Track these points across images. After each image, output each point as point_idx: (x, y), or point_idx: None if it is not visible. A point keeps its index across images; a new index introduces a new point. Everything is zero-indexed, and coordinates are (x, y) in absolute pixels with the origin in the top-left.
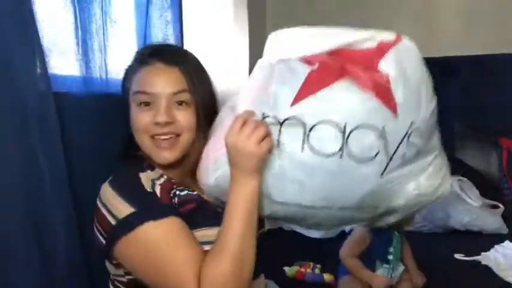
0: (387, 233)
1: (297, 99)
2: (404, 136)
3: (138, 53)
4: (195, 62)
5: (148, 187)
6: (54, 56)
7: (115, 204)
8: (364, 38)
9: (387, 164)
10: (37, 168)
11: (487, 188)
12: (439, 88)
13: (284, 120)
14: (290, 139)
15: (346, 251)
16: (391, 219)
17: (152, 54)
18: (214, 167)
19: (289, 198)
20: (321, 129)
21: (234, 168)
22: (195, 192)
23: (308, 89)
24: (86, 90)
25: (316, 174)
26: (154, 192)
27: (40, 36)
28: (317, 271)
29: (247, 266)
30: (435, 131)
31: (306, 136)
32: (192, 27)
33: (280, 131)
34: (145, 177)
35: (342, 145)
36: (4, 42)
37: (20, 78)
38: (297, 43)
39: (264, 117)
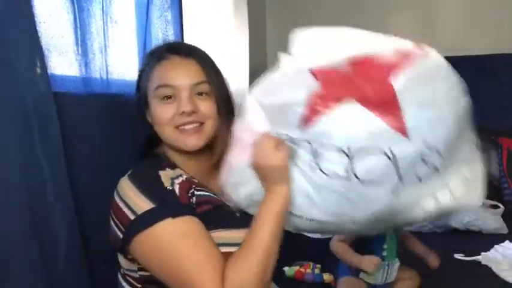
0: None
1: (303, 121)
2: (418, 157)
3: (151, 52)
4: (208, 55)
5: (168, 185)
6: (54, 56)
7: (135, 200)
8: (385, 48)
9: (398, 184)
10: (38, 169)
11: (487, 188)
12: None
13: (296, 139)
14: (300, 158)
15: (337, 236)
16: (416, 223)
17: (168, 49)
18: (241, 181)
19: (301, 212)
20: (326, 152)
21: (265, 182)
22: (212, 194)
23: (312, 111)
24: (85, 91)
25: (325, 192)
26: (173, 190)
27: (40, 36)
28: (317, 271)
29: (270, 271)
30: (464, 144)
31: (314, 157)
32: (192, 27)
33: (293, 148)
34: (165, 176)
35: (347, 169)
36: (4, 42)
37: (20, 78)
38: (316, 48)
39: (280, 136)
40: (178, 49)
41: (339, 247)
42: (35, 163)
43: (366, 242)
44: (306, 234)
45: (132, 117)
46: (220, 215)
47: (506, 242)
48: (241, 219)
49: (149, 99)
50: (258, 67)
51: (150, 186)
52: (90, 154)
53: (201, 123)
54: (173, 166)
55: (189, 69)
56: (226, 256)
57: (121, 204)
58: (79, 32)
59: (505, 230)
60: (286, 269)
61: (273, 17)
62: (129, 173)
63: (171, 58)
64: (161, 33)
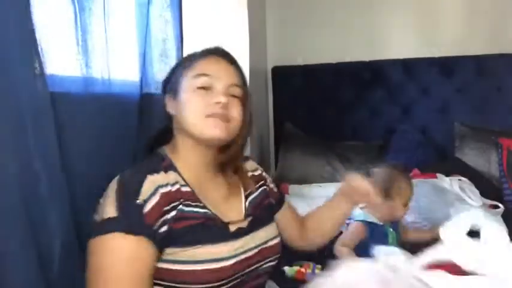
0: (382, 229)
1: None
2: None
3: (192, 54)
4: (239, 65)
5: (143, 197)
6: (54, 56)
7: (108, 202)
8: None
9: None
10: (32, 170)
11: (487, 188)
12: (439, 88)
13: None
14: None
15: (340, 240)
16: None
17: (213, 50)
18: None
19: None
20: None
21: None
22: (203, 210)
23: None
24: (86, 91)
25: None
26: (143, 205)
27: (40, 36)
28: (317, 271)
29: None
30: None
31: None
32: (191, 27)
33: None
34: (151, 182)
35: None
36: (1, 41)
37: (17, 78)
38: None
39: None
40: (224, 53)
41: (343, 251)
42: (28, 163)
43: (368, 245)
44: None
45: (132, 117)
46: (209, 230)
47: None
48: (232, 233)
49: (182, 86)
50: (258, 67)
51: (124, 195)
52: (90, 154)
53: (228, 121)
54: (173, 169)
55: (229, 70)
56: (208, 273)
57: (101, 201)
58: (80, 32)
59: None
60: (286, 268)
61: (273, 17)
62: (125, 171)
63: (215, 57)
64: (160, 33)
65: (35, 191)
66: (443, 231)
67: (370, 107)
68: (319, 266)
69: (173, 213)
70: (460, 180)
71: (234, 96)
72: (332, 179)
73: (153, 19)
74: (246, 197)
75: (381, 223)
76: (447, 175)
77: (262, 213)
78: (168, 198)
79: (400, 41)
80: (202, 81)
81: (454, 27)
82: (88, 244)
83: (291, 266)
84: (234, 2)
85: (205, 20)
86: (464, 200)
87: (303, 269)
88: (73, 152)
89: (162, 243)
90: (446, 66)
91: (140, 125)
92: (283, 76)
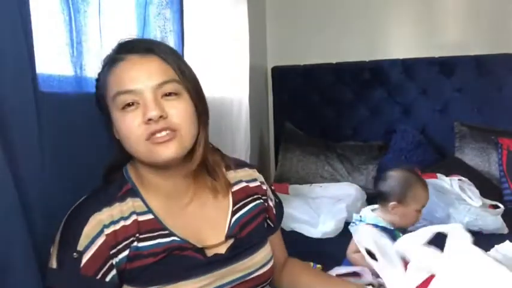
0: (392, 233)
1: None
2: None
3: (106, 56)
4: (173, 49)
5: (82, 244)
6: (48, 56)
7: (52, 248)
8: None
9: None
10: (20, 170)
11: (487, 188)
12: (439, 88)
13: None
14: None
15: (352, 247)
16: None
17: (121, 49)
18: None
19: None
20: None
21: None
22: (167, 240)
23: None
24: (80, 91)
25: None
26: (79, 258)
27: (32, 36)
28: None
29: None
30: None
31: None
32: (191, 27)
33: None
34: (96, 222)
35: None
36: None
37: (7, 78)
38: None
39: None
40: (134, 46)
41: (355, 257)
42: (16, 163)
43: None
44: (306, 234)
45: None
46: (168, 266)
47: (506, 242)
48: (208, 261)
49: (110, 110)
50: (258, 67)
51: (63, 243)
52: (82, 154)
53: (174, 130)
54: (134, 195)
55: (148, 68)
56: None
57: (54, 239)
58: (74, 34)
59: (505, 230)
60: None
61: (273, 17)
62: (72, 208)
63: (126, 58)
64: (159, 31)
65: (24, 193)
66: (398, 244)
67: (370, 107)
68: (319, 266)
69: (125, 252)
70: (460, 180)
71: (169, 94)
72: (332, 179)
73: (152, 18)
74: (234, 213)
75: (392, 228)
76: (447, 175)
77: (253, 234)
78: (117, 237)
79: (400, 41)
80: (122, 100)
81: (454, 27)
82: None
83: None
84: (234, 2)
85: (205, 20)
86: (464, 200)
87: None
88: (64, 152)
89: (119, 278)
90: (446, 66)
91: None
92: (283, 76)
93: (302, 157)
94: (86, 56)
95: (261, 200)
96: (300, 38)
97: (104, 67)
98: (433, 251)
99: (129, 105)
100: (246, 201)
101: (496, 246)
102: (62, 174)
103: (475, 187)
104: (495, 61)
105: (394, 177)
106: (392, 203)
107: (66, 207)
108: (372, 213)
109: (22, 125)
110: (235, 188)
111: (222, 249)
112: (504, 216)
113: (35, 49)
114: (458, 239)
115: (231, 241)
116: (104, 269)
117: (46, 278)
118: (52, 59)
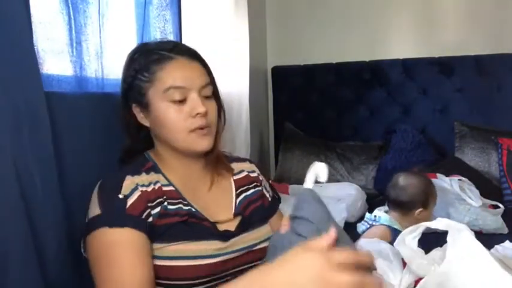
0: None
1: None
2: None
3: (145, 51)
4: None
5: (124, 192)
6: (49, 57)
7: (92, 204)
8: None
9: None
10: (26, 169)
11: (487, 188)
12: (439, 88)
13: None
14: None
15: (363, 239)
16: None
17: (172, 50)
18: None
19: None
20: None
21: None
22: (187, 208)
23: None
24: (80, 91)
25: None
26: (124, 200)
27: (36, 36)
28: None
29: None
30: None
31: None
32: (191, 27)
33: None
34: (131, 181)
35: None
36: None
37: (11, 78)
38: None
39: None
40: (182, 50)
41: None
42: (23, 162)
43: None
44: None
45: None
46: (189, 227)
47: (506, 242)
48: (220, 233)
49: (150, 99)
50: (258, 67)
51: (105, 193)
52: (85, 153)
53: (209, 127)
54: (156, 170)
55: (197, 71)
56: (191, 269)
57: (88, 204)
58: (74, 34)
59: (505, 230)
60: None
61: (273, 17)
62: (106, 175)
63: (177, 59)
64: (159, 32)
65: (29, 191)
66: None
67: (370, 107)
68: None
69: (157, 209)
70: (460, 180)
71: (207, 97)
72: (332, 179)
73: (151, 18)
74: (238, 196)
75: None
76: (447, 175)
77: (254, 213)
78: (150, 195)
79: (400, 41)
80: (175, 95)
81: (454, 27)
82: (82, 245)
83: None
84: (234, 2)
85: (204, 20)
86: (464, 200)
87: None
88: (68, 151)
89: (150, 233)
90: (446, 66)
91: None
92: (283, 76)
93: (302, 157)
94: (86, 56)
95: (260, 188)
96: (300, 38)
97: (146, 61)
98: (421, 255)
99: (179, 100)
100: (247, 186)
101: (496, 246)
102: (62, 175)
103: (475, 187)
104: (495, 61)
105: (413, 185)
106: (418, 210)
107: (66, 207)
108: (386, 215)
109: (34, 126)
110: (238, 176)
111: (232, 227)
112: (504, 216)
113: (34, 49)
114: (460, 236)
115: (238, 219)
116: (145, 214)
117: (87, 226)
118: (52, 59)
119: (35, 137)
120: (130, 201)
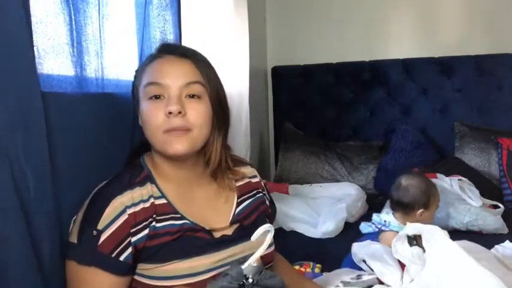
0: None
1: None
2: None
3: (150, 54)
4: (205, 57)
5: (103, 223)
6: (49, 56)
7: (74, 224)
8: None
9: None
10: (22, 170)
11: (487, 188)
12: (439, 88)
13: None
14: None
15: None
16: None
17: (162, 49)
18: None
19: None
20: None
21: None
22: (179, 222)
23: None
24: (81, 91)
25: None
26: (98, 235)
27: (34, 36)
28: (317, 271)
29: None
30: None
31: None
32: (190, 27)
33: None
34: (119, 203)
35: None
36: None
37: (7, 77)
38: None
39: None
40: (173, 49)
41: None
42: (18, 163)
43: None
44: (306, 234)
45: (127, 116)
46: (183, 243)
47: (506, 242)
48: (217, 241)
49: (139, 96)
50: (258, 67)
51: (86, 219)
52: (83, 154)
53: (188, 130)
54: (150, 180)
55: (181, 69)
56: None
57: (76, 216)
58: (74, 34)
59: (505, 230)
60: None
61: (273, 17)
62: (99, 186)
63: (164, 57)
64: (159, 32)
65: (24, 192)
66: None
67: (370, 107)
68: (319, 265)
69: (145, 231)
70: (460, 180)
71: (192, 96)
72: (332, 179)
73: (151, 19)
74: (238, 204)
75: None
76: (447, 175)
77: (255, 220)
78: (138, 217)
79: (400, 41)
80: (151, 90)
81: (454, 27)
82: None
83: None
84: (234, 2)
85: (204, 20)
86: (464, 200)
87: (302, 269)
88: (66, 152)
89: (125, 267)
90: (446, 66)
91: (135, 125)
92: (283, 76)
93: (302, 157)
94: (86, 56)
95: (261, 194)
96: (300, 38)
97: (144, 62)
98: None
99: (156, 97)
100: (249, 194)
101: (496, 246)
102: (63, 174)
103: (475, 187)
104: (495, 61)
105: (414, 187)
106: (420, 211)
107: (66, 206)
108: (395, 220)
109: (29, 126)
110: (240, 182)
111: (229, 232)
112: (504, 216)
113: (34, 49)
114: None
115: (235, 225)
116: (120, 248)
117: (66, 248)
118: (52, 59)
119: (30, 137)
120: (103, 237)
